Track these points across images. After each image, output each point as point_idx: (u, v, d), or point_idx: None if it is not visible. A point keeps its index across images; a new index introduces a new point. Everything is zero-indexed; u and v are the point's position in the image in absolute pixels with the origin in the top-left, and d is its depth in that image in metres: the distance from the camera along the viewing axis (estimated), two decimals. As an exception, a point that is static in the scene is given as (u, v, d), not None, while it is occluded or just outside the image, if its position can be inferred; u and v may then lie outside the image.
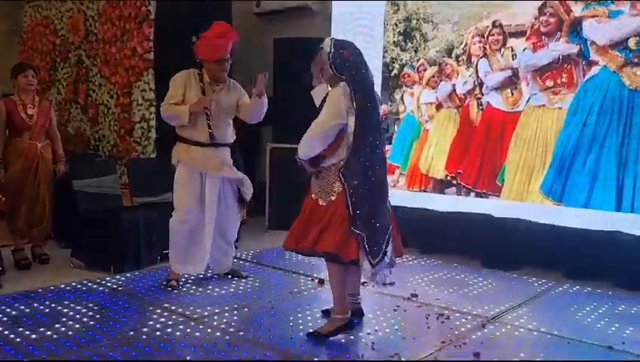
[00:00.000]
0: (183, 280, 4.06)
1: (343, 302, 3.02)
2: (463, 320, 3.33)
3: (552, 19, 4.52)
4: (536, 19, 4.60)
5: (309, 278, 4.19)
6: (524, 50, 4.68)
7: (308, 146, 3.06)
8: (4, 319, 3.16)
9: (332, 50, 3.06)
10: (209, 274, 4.20)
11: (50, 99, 6.87)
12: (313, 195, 3.06)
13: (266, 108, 4.03)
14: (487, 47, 4.88)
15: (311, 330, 3.03)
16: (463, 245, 5.02)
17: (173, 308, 3.43)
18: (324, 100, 3.08)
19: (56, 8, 7.36)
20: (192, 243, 3.93)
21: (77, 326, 3.07)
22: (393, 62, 5.52)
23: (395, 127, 5.53)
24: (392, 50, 5.52)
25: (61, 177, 4.56)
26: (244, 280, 4.09)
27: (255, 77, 3.80)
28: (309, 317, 3.31)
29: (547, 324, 3.24)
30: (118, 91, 6.41)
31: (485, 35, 4.89)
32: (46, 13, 7.52)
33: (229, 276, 4.16)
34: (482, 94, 4.93)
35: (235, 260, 4.38)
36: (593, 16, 4.33)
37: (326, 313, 3.28)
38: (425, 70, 5.30)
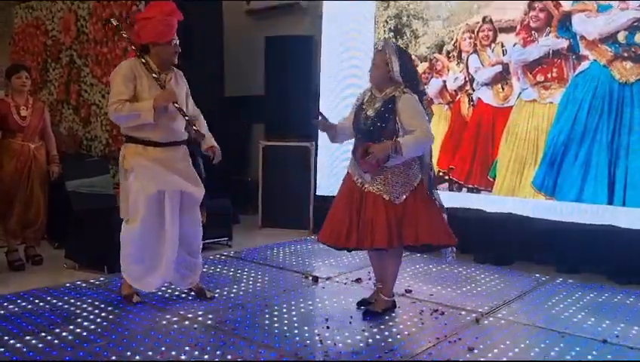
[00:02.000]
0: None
1: (393, 286, 3.37)
2: (457, 315, 3.34)
3: (541, 14, 4.55)
4: (525, 14, 4.63)
5: (303, 276, 4.20)
6: (514, 45, 4.70)
7: (415, 151, 3.11)
8: (-2, 321, 3.15)
9: (399, 55, 3.18)
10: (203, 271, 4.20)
11: (44, 100, 6.85)
12: (386, 196, 3.11)
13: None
14: (478, 42, 4.90)
15: (365, 310, 3.32)
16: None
17: (167, 307, 3.43)
18: (383, 106, 3.15)
19: (47, 8, 7.33)
20: (150, 258, 3.41)
21: (71, 327, 3.07)
22: (385, 59, 5.51)
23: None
24: (384, 46, 5.51)
25: (55, 179, 4.55)
26: (237, 278, 4.09)
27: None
28: (303, 314, 3.32)
29: (541, 318, 3.26)
30: (109, 91, 6.38)
31: (475, 31, 4.91)
32: (37, 14, 7.49)
33: (193, 293, 3.65)
34: (473, 90, 4.95)
35: (225, 258, 4.38)
36: (582, 11, 4.36)
37: (362, 303, 3.43)
38: (416, 66, 5.30)
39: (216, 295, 3.69)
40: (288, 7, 6.59)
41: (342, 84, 5.81)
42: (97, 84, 6.63)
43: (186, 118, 3.35)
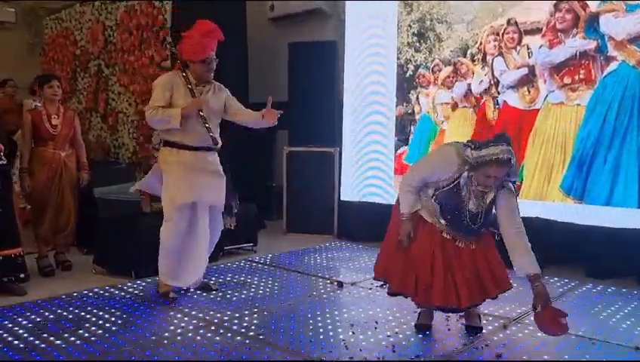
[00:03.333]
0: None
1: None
2: (485, 321, 3.29)
3: (568, 16, 4.48)
4: (551, 15, 4.56)
5: (328, 281, 4.20)
6: (540, 47, 4.63)
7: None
8: (29, 325, 3.22)
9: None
10: (229, 277, 4.23)
11: (74, 108, 7.00)
12: (460, 243, 2.96)
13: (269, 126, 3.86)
14: (503, 45, 4.85)
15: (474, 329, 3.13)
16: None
17: (193, 312, 3.46)
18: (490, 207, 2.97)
19: (75, 20, 7.51)
20: (182, 256, 3.73)
21: (100, 331, 3.12)
22: (408, 64, 5.51)
23: (412, 128, 5.52)
24: (407, 51, 5.51)
25: (85, 186, 4.64)
26: (262, 283, 4.11)
27: (267, 100, 3.81)
28: (328, 320, 3.31)
29: (571, 325, 3.17)
30: (137, 99, 6.50)
31: (500, 34, 4.86)
32: (66, 25, 7.68)
33: (199, 290, 3.91)
34: (498, 93, 4.90)
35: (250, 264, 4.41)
36: (610, 11, 4.28)
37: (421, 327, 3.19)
38: (440, 70, 5.28)
39: (229, 293, 3.75)
40: (311, 13, 6.62)
41: (365, 89, 5.81)
42: (124, 93, 6.75)
43: (206, 125, 3.62)
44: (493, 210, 2.95)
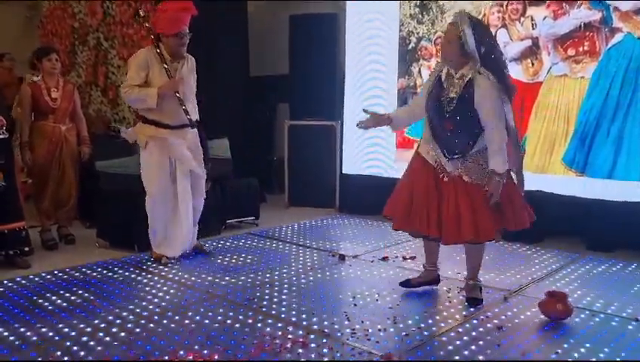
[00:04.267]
0: (205, 257, 4.12)
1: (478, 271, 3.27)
2: (485, 293, 3.32)
3: (573, -14, 4.41)
4: (557, -14, 4.48)
5: (330, 254, 4.22)
6: (544, 18, 4.57)
7: (504, 161, 2.97)
8: (34, 297, 3.25)
9: (473, 27, 2.90)
10: (230, 250, 4.26)
11: (74, 82, 6.94)
12: (477, 181, 2.99)
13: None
14: (506, 16, 4.78)
15: (467, 300, 3.20)
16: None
17: (196, 285, 3.49)
18: (465, 91, 2.93)
19: (73, -9, 7.39)
20: (170, 226, 3.94)
21: (104, 303, 3.15)
22: (410, 36, 5.44)
23: (414, 101, 5.47)
24: (409, 23, 5.43)
25: (86, 160, 4.64)
26: (264, 257, 4.13)
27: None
28: (330, 292, 3.34)
29: (572, 297, 3.21)
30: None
31: (504, 5, 4.79)
32: (64, -3, 7.56)
33: (194, 252, 4.16)
34: (502, 65, 4.84)
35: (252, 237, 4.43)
36: (616, -19, 4.21)
37: (405, 284, 3.39)
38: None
39: (232, 266, 3.74)
40: (312, -16, 6.51)
41: (367, 62, 5.75)
42: (124, 66, 6.67)
43: (183, 107, 3.70)
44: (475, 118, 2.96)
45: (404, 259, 4.07)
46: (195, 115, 3.86)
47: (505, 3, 4.78)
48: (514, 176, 3.13)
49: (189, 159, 3.84)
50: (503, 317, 2.96)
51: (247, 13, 6.47)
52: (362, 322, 2.87)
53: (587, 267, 3.91)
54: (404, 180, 3.23)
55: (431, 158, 3.11)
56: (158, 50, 3.70)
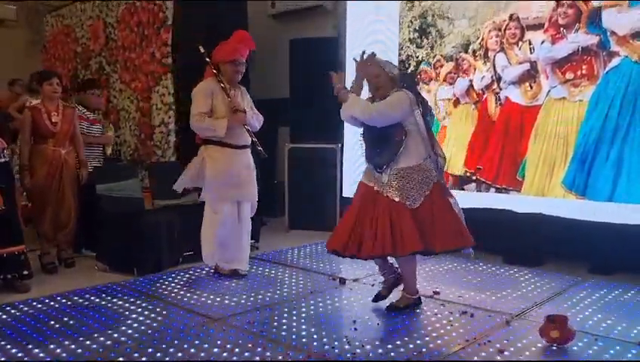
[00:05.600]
0: (205, 281, 4.11)
1: (414, 284, 3.44)
2: (487, 317, 3.30)
3: (570, 11, 4.46)
4: (554, 10, 4.55)
5: (330, 278, 4.20)
6: (542, 42, 4.62)
7: (352, 111, 3.31)
8: (32, 322, 3.22)
9: (386, 60, 3.44)
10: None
11: (74, 105, 7.00)
12: (397, 198, 3.18)
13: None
14: (505, 40, 4.84)
15: (389, 303, 3.43)
16: (484, 242, 4.93)
17: (195, 309, 3.46)
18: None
19: (76, 17, 7.49)
20: (234, 242, 4.20)
21: (102, 328, 3.12)
22: (409, 60, 5.50)
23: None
24: (408, 47, 5.50)
25: (85, 183, 4.64)
26: (265, 280, 4.11)
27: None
28: (330, 316, 3.31)
29: (574, 321, 3.19)
30: (138, 96, 6.50)
31: (502, 29, 4.85)
32: (67, 22, 7.66)
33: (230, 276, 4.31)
34: (500, 89, 4.89)
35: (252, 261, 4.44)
36: (613, 6, 4.26)
37: (376, 298, 3.55)
38: (441, 66, 5.27)
39: (231, 289, 3.83)
40: (312, 9, 6.61)
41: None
42: (126, 90, 6.74)
43: (253, 139, 4.11)
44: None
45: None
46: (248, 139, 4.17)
47: (503, 27, 4.84)
48: (452, 199, 3.30)
49: (246, 195, 4.23)
50: (505, 341, 2.93)
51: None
52: (363, 346, 2.85)
53: (589, 290, 3.88)
54: (349, 210, 3.42)
55: (368, 180, 3.36)
56: (219, 80, 4.02)
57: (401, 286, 3.50)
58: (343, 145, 5.93)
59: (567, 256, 4.57)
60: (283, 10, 6.88)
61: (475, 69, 5.05)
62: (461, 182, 5.13)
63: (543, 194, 4.61)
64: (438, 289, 3.82)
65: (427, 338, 2.97)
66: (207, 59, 4.09)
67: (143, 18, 6.33)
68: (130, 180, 4.87)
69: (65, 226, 4.57)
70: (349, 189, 5.88)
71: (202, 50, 4.07)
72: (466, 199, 4.99)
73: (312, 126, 6.08)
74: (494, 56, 4.91)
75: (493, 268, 4.48)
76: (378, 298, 3.54)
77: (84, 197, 4.69)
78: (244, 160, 4.17)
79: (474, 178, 5.05)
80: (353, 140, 5.87)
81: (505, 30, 4.84)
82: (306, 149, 6.07)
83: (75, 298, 3.71)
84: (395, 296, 3.52)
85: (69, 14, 7.62)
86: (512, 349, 2.82)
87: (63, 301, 3.64)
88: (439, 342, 2.93)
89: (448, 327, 3.16)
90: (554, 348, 2.84)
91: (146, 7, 6.29)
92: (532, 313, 3.39)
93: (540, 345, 2.88)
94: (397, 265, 3.48)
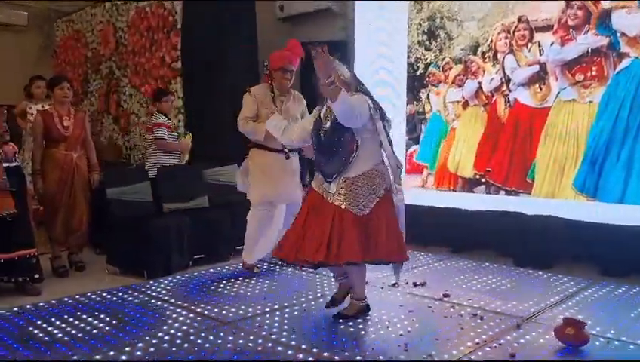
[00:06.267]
0: (215, 284, 4.12)
1: (362, 289, 3.37)
2: (497, 320, 3.28)
3: (579, 12, 4.45)
4: (563, 12, 4.53)
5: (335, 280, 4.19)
6: (551, 44, 4.61)
7: (344, 105, 3.01)
8: (43, 324, 3.25)
9: (339, 61, 3.25)
10: (240, 277, 4.26)
11: (85, 110, 7.05)
12: (344, 205, 3.09)
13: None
14: (514, 42, 4.83)
15: (335, 312, 3.33)
16: (494, 244, 4.96)
17: (205, 312, 3.47)
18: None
19: (87, 22, 7.55)
20: (262, 237, 4.33)
21: (113, 331, 3.14)
22: (418, 62, 5.50)
23: (422, 126, 5.50)
24: (417, 49, 5.49)
25: (96, 187, 4.68)
26: (275, 283, 4.12)
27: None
28: (340, 319, 3.30)
29: (586, 323, 3.17)
30: (148, 100, 6.53)
31: (511, 31, 4.84)
32: (77, 27, 7.73)
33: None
34: (509, 91, 4.87)
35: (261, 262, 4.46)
36: (623, 7, 4.24)
37: (331, 302, 3.46)
38: (450, 69, 5.27)
39: (241, 293, 3.76)
40: (320, 12, 6.61)
41: (375, 88, 5.77)
42: (136, 94, 6.78)
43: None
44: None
45: (415, 285, 4.04)
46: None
47: (512, 29, 4.83)
48: (399, 205, 3.23)
49: (287, 196, 4.33)
50: (516, 344, 2.92)
51: (256, 40, 6.56)
52: (372, 349, 2.84)
53: (601, 293, 3.85)
54: (297, 216, 3.33)
55: (317, 186, 3.28)
56: (271, 87, 4.26)
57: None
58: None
59: (579, 258, 4.53)
60: (291, 13, 6.90)
61: (484, 71, 5.04)
62: (470, 185, 5.12)
63: (554, 196, 4.59)
64: (447, 292, 3.81)
65: (437, 341, 2.96)
66: (267, 71, 4.34)
67: (153, 22, 6.38)
68: (139, 184, 4.89)
69: (76, 230, 4.59)
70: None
71: (265, 63, 4.34)
72: (476, 201, 4.99)
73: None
74: (503, 58, 4.90)
75: (504, 271, 4.45)
76: (333, 303, 3.45)
77: (94, 200, 4.72)
78: (285, 163, 4.28)
79: (483, 180, 5.04)
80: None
81: (514, 32, 4.82)
82: (315, 152, 6.05)
83: (86, 301, 3.73)
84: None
85: (80, 19, 7.69)
86: (522, 352, 2.81)
87: (74, 304, 3.66)
88: (449, 344, 2.92)
89: (458, 330, 3.14)
90: (566, 350, 2.82)
91: (155, 12, 6.34)
92: (543, 316, 3.37)
93: (551, 347, 2.87)
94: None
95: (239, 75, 6.12)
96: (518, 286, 4.02)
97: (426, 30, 5.43)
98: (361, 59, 5.91)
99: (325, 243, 3.04)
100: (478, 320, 3.29)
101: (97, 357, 2.78)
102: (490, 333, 3.08)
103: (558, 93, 4.59)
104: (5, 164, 3.91)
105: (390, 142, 3.22)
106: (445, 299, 3.70)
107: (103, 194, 4.69)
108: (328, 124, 3.20)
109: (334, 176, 3.17)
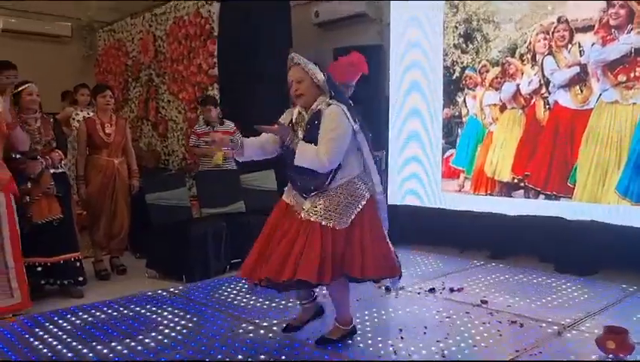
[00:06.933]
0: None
1: (347, 312, 3.02)
2: (538, 327, 3.21)
3: (622, 11, 4.32)
4: (604, 12, 4.41)
5: (376, 286, 4.16)
6: (592, 45, 4.49)
7: (302, 163, 2.75)
8: (86, 327, 3.34)
9: (315, 64, 2.90)
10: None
11: (125, 117, 7.23)
12: (325, 222, 2.73)
13: None
14: (553, 43, 4.73)
15: (319, 337, 3.00)
16: (534, 249, 4.86)
17: (243, 316, 3.51)
18: (310, 123, 2.81)
19: (127, 31, 7.75)
20: None
21: (152, 334, 3.20)
22: (454, 65, 5.44)
23: (459, 130, 5.44)
24: (453, 52, 5.44)
25: (135, 192, 4.79)
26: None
27: None
28: (376, 325, 3.30)
29: (631, 332, 3.07)
30: (186, 107, 6.66)
31: (550, 32, 4.74)
32: (118, 37, 7.93)
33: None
34: (549, 93, 4.77)
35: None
36: (668, 5, 4.11)
37: (287, 329, 3.15)
38: (487, 71, 5.19)
39: (277, 298, 3.76)
40: (355, 17, 6.62)
41: (411, 92, 5.75)
42: (174, 101, 6.92)
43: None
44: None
45: (452, 290, 3.99)
46: None
47: (551, 30, 4.73)
48: (384, 220, 2.95)
49: None
50: (557, 352, 2.85)
51: (292, 46, 6.61)
52: (409, 355, 2.82)
53: (646, 300, 3.73)
54: (262, 231, 2.93)
55: (287, 197, 2.94)
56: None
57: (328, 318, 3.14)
58: (387, 153, 5.90)
59: (622, 265, 4.40)
60: (327, 19, 6.92)
61: (522, 73, 4.95)
62: (509, 189, 5.03)
63: (596, 201, 4.47)
64: (485, 298, 3.75)
65: (475, 348, 2.92)
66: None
67: (191, 31, 6.50)
68: (178, 189, 4.99)
69: (117, 235, 4.72)
70: (393, 196, 5.85)
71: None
72: (514, 206, 4.90)
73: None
74: (542, 60, 4.80)
75: (544, 277, 4.36)
76: (288, 329, 3.12)
77: (134, 205, 4.83)
78: None
79: (522, 184, 4.94)
80: (397, 147, 5.86)
81: (553, 33, 4.73)
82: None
83: (127, 303, 3.82)
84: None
85: (120, 29, 7.89)
86: (564, 361, 2.74)
87: (115, 306, 3.76)
88: (487, 352, 2.87)
89: (497, 337, 3.09)
90: (609, 360, 2.74)
91: (193, 20, 6.46)
92: (585, 324, 3.28)
93: (594, 357, 2.79)
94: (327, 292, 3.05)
95: (275, 81, 6.17)
96: (558, 293, 3.93)
97: (462, 33, 5.37)
98: (397, 63, 5.89)
99: (293, 262, 2.68)
100: (518, 328, 3.22)
101: (138, 358, 2.84)
102: (531, 341, 3.01)
103: (600, 94, 4.47)
104: (52, 170, 4.04)
105: (371, 155, 2.89)
106: (483, 305, 3.65)
107: (143, 200, 4.79)
108: (301, 134, 2.84)
109: (312, 194, 2.81)
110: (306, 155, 2.73)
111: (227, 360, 2.80)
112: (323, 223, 2.73)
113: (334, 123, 2.73)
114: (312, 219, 2.75)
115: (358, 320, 3.36)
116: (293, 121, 2.91)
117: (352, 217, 2.78)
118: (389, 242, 2.89)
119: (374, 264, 2.75)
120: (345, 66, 3.96)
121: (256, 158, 3.05)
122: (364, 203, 2.82)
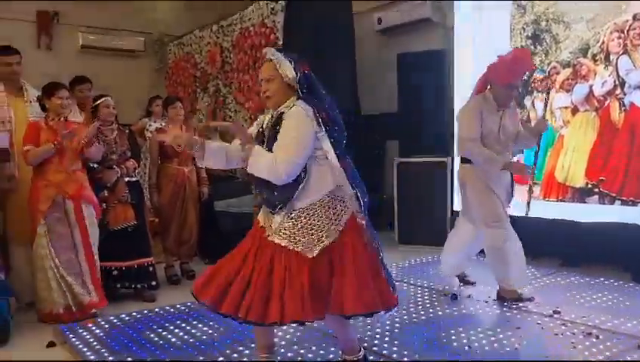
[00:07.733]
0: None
1: (353, 341, 2.67)
2: (615, 340, 3.06)
3: None
4: (684, 7, 4.18)
5: (442, 293, 4.11)
6: (672, 42, 4.26)
7: (257, 172, 2.43)
8: (159, 330, 3.47)
9: (292, 61, 2.50)
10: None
11: (195, 126, 7.47)
12: (298, 247, 2.38)
13: None
14: (628, 42, 4.51)
15: None
16: (609, 258, 4.63)
17: (307, 322, 3.53)
18: (270, 130, 2.49)
19: (195, 44, 8.03)
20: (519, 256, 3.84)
21: (221, 337, 3.29)
22: (522, 68, 5.28)
23: (528, 134, 5.27)
24: (521, 55, 5.28)
25: (205, 199, 4.94)
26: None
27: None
28: (443, 333, 3.25)
29: None
30: (252, 116, 6.81)
31: (625, 30, 4.53)
32: (187, 49, 8.23)
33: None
34: (624, 94, 4.55)
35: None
36: None
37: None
38: (557, 73, 5.02)
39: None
40: (419, 22, 6.57)
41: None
42: (240, 110, 7.10)
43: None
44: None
45: (522, 300, 3.87)
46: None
47: (626, 28, 4.52)
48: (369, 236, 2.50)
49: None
50: (637, 367, 2.72)
51: (355, 52, 6.64)
52: (477, 366, 2.77)
53: None
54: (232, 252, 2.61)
55: (262, 219, 2.56)
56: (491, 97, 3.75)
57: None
58: (453, 158, 5.81)
59: None
60: (390, 25, 6.91)
61: (595, 74, 4.75)
62: (582, 195, 4.82)
63: (679, 207, 4.22)
64: (558, 309, 3.61)
65: (547, 359, 2.82)
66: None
67: (256, 41, 6.66)
68: (245, 196, 5.09)
69: (187, 241, 4.88)
70: (460, 203, 5.74)
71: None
72: (588, 212, 4.70)
73: (420, 140, 6.03)
74: (617, 60, 4.59)
75: (621, 287, 4.15)
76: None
77: (202, 212, 4.98)
78: (499, 179, 3.82)
79: (596, 190, 4.73)
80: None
81: (628, 31, 4.51)
82: (415, 163, 6.01)
83: (197, 308, 3.93)
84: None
85: (189, 42, 8.19)
86: (644, 376, 2.61)
87: (186, 310, 3.88)
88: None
89: (571, 349, 2.97)
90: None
91: (258, 31, 6.61)
92: (667, 337, 3.11)
93: (677, 372, 2.64)
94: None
95: (339, 88, 6.22)
96: (637, 304, 3.73)
97: (530, 34, 5.22)
98: (462, 67, 5.79)
99: (262, 299, 2.35)
100: (593, 340, 3.09)
101: (207, 361, 2.93)
102: (607, 354, 2.89)
103: (681, 94, 4.22)
104: (126, 179, 4.25)
105: (343, 161, 2.45)
106: (556, 315, 3.52)
107: (212, 207, 4.93)
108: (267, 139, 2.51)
109: (279, 207, 2.44)
110: (259, 162, 2.40)
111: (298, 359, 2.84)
112: (290, 248, 2.39)
113: (291, 125, 2.38)
114: (277, 242, 2.42)
115: (423, 328, 3.32)
116: (264, 126, 2.57)
117: (325, 243, 2.40)
118: (383, 267, 2.51)
119: (356, 298, 2.33)
120: (509, 64, 3.62)
121: (221, 166, 2.68)
122: (344, 224, 2.43)
